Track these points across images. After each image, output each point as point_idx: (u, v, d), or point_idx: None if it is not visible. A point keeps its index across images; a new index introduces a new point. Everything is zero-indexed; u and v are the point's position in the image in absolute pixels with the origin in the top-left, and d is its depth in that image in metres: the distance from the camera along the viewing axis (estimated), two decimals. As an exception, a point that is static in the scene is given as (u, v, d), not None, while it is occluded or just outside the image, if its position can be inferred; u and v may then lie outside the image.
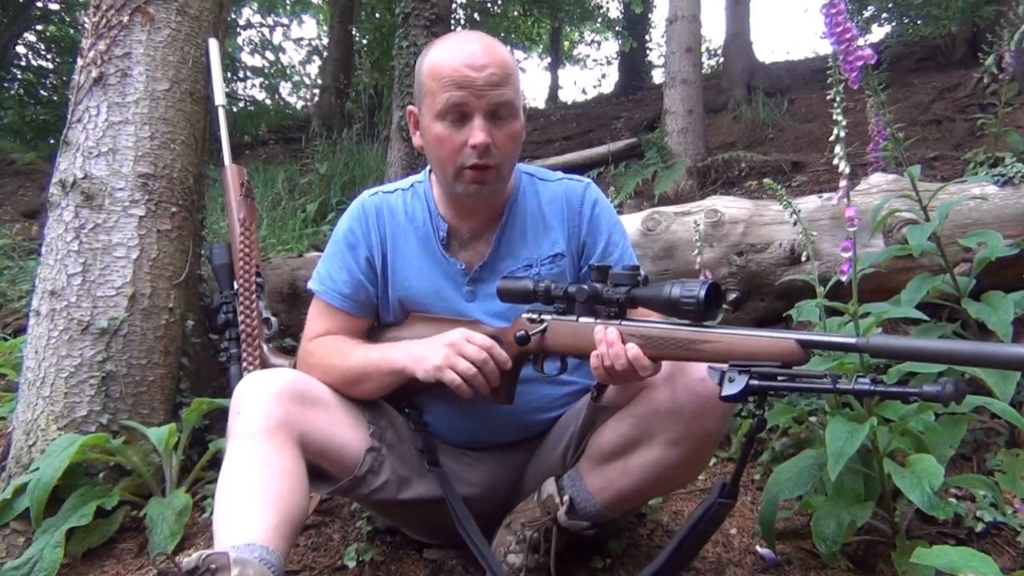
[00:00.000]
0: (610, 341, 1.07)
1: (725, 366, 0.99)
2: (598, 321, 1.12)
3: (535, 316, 1.20)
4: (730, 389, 0.96)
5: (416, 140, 1.32)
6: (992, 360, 0.84)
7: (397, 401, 1.38)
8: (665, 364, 1.15)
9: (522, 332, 1.16)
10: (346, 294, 1.34)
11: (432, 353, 1.19)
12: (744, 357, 0.98)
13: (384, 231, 1.34)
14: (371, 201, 1.37)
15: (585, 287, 1.13)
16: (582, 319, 1.15)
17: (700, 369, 1.10)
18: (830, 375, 0.91)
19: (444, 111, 1.20)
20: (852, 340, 0.92)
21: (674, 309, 1.03)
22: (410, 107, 1.32)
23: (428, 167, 1.36)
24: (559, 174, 1.43)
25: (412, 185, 1.39)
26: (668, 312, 1.05)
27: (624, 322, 1.10)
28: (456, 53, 1.21)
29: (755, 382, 0.95)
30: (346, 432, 1.25)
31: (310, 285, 1.37)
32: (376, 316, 1.40)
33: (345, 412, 1.27)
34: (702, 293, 1.00)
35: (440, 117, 1.21)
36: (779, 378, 0.96)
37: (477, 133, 1.19)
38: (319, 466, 1.23)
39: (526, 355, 1.22)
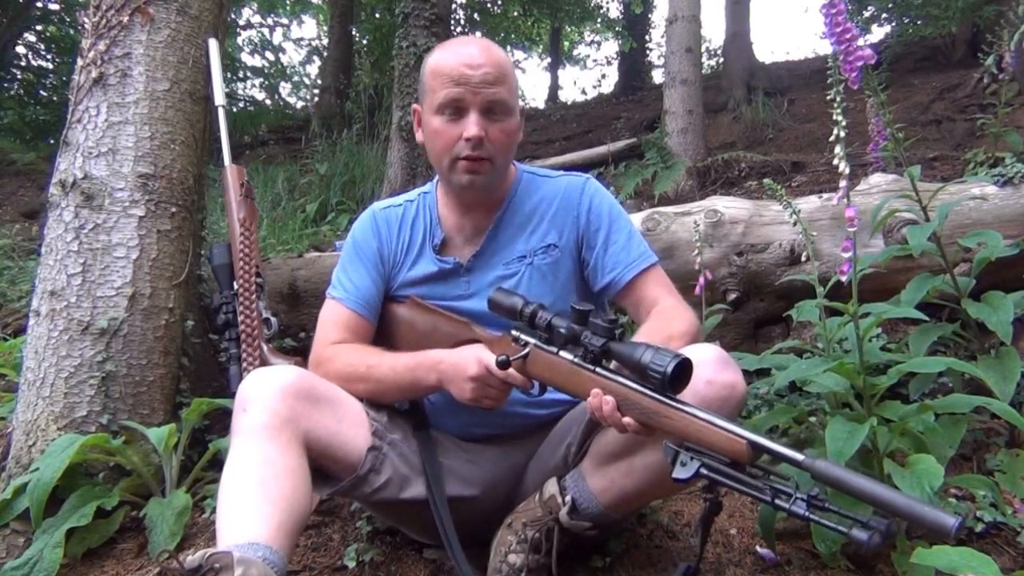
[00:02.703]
0: (609, 412, 1.08)
1: (678, 449, 1.02)
2: (576, 360, 1.14)
3: (520, 338, 1.22)
4: (681, 472, 1.01)
5: (419, 136, 1.40)
6: (916, 519, 0.85)
7: None
8: None
9: (503, 356, 1.18)
10: (364, 300, 1.40)
11: (463, 386, 1.23)
12: (697, 442, 1.02)
13: (392, 239, 1.43)
14: (382, 214, 1.46)
15: (563, 329, 1.15)
16: (562, 353, 1.17)
17: (704, 370, 1.10)
18: (771, 489, 0.95)
19: (442, 105, 1.29)
20: (800, 457, 0.94)
21: (641, 374, 1.04)
22: (414, 106, 1.41)
23: (436, 178, 1.44)
24: (562, 172, 1.49)
25: (419, 195, 1.48)
26: (635, 373, 1.06)
27: (599, 370, 1.12)
28: (455, 54, 1.31)
29: (705, 471, 0.99)
30: (350, 430, 1.26)
31: (329, 292, 1.43)
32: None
33: (348, 409, 1.28)
34: (669, 369, 1.00)
35: (439, 111, 1.30)
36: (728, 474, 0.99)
37: (471, 127, 1.28)
38: (322, 464, 1.23)
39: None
